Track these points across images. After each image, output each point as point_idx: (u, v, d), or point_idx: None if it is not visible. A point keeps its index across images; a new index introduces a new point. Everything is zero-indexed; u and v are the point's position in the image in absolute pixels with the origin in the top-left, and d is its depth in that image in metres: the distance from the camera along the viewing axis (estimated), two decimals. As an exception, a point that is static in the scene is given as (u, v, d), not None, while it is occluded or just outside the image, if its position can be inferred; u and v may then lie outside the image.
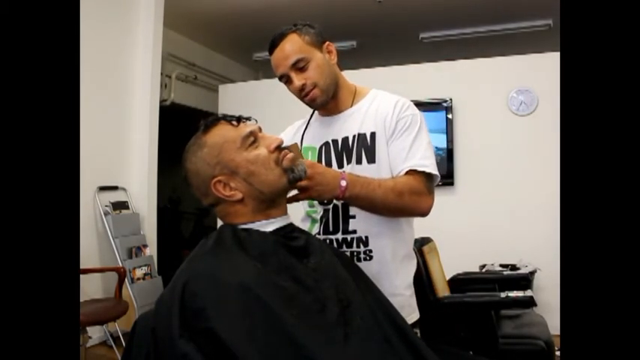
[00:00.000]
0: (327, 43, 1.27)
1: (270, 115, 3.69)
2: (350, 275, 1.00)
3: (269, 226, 1.02)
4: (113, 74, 3.63)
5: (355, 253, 1.25)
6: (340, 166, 1.27)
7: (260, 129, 1.05)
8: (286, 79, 1.25)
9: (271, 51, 1.25)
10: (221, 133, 1.01)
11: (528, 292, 1.88)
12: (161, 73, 4.08)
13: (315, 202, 1.28)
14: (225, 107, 4.64)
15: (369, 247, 1.24)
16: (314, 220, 1.31)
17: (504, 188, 3.77)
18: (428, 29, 4.93)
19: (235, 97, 4.67)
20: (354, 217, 1.25)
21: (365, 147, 1.25)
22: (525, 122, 3.78)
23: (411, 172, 1.19)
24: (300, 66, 1.21)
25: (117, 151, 3.66)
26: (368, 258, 1.24)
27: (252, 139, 1.01)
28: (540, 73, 3.68)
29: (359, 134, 1.26)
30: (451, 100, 3.91)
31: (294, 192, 1.09)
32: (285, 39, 1.22)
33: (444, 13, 4.50)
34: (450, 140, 3.87)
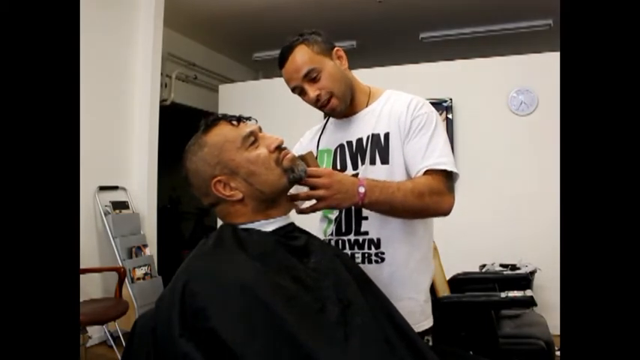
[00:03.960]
0: (337, 48, 1.26)
1: (270, 114, 3.70)
2: (351, 275, 1.00)
3: (269, 225, 1.02)
4: (113, 74, 3.63)
5: (366, 255, 1.24)
6: (355, 167, 1.26)
7: (260, 129, 1.05)
8: (300, 91, 1.24)
9: (281, 64, 1.24)
10: (221, 132, 1.01)
11: (528, 292, 1.88)
12: (161, 73, 4.08)
13: None
14: (225, 107, 4.64)
15: (381, 250, 1.23)
16: (330, 221, 1.31)
17: (504, 188, 3.77)
18: (428, 29, 4.94)
19: (235, 97, 4.68)
20: (366, 218, 1.24)
21: (379, 147, 1.24)
22: (525, 122, 3.78)
23: (430, 172, 1.17)
24: (312, 77, 1.20)
25: (117, 151, 3.66)
26: (379, 260, 1.23)
27: (253, 139, 1.01)
28: (540, 73, 3.68)
29: (372, 135, 1.25)
30: (451, 100, 3.91)
31: (312, 202, 1.08)
32: (293, 51, 1.21)
33: (444, 13, 4.50)
34: (449, 140, 3.86)
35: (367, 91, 1.32)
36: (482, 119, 3.91)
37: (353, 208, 1.24)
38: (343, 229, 1.26)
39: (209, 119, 1.04)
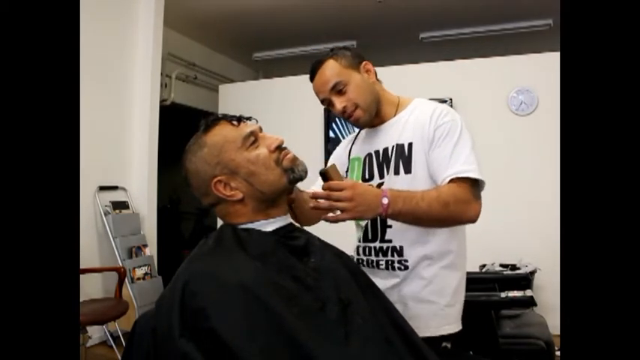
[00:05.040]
0: (365, 62, 1.30)
1: (270, 114, 3.70)
2: (351, 275, 1.00)
3: (269, 225, 1.02)
4: (113, 74, 3.63)
5: (390, 262, 1.26)
6: (381, 176, 1.29)
7: (260, 129, 1.05)
8: (328, 103, 1.28)
9: (312, 78, 1.29)
10: (222, 132, 1.01)
11: (528, 292, 1.88)
12: (161, 73, 4.08)
13: None
14: (225, 107, 4.64)
15: (404, 257, 1.25)
16: (361, 228, 1.33)
17: (504, 188, 3.76)
18: (428, 29, 4.93)
19: (235, 97, 4.67)
20: (390, 226, 1.26)
21: (402, 158, 1.26)
22: (525, 122, 3.77)
23: (456, 180, 1.16)
24: (339, 89, 1.25)
25: (117, 151, 3.66)
26: (403, 267, 1.24)
27: (253, 139, 1.01)
28: (540, 73, 3.68)
29: (397, 145, 1.28)
30: (451, 100, 3.90)
31: (337, 212, 1.07)
32: (322, 66, 1.26)
33: (444, 13, 4.49)
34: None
35: (396, 102, 1.35)
36: (483, 119, 3.90)
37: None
38: (369, 236, 1.29)
39: (209, 119, 1.03)
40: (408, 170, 1.24)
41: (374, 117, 1.30)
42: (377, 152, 1.31)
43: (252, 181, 0.99)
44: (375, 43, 5.24)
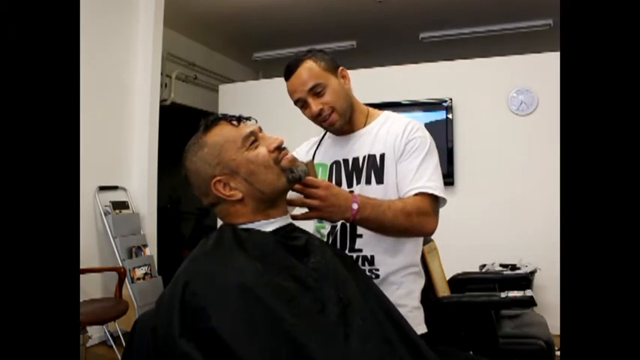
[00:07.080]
0: (341, 68, 1.31)
1: (270, 115, 3.70)
2: (350, 275, 1.00)
3: (269, 225, 1.02)
4: (113, 74, 3.63)
5: None
6: (350, 185, 1.29)
7: (260, 129, 1.05)
8: (302, 104, 1.28)
9: (287, 76, 1.27)
10: (222, 132, 1.01)
11: (528, 292, 1.88)
12: (161, 73, 4.08)
13: None
14: (225, 107, 4.64)
15: (375, 267, 1.26)
16: (322, 236, 1.33)
17: (504, 188, 3.77)
18: (428, 29, 4.93)
19: (235, 97, 4.68)
20: (360, 236, 1.27)
21: (374, 168, 1.27)
22: (525, 122, 3.77)
23: (419, 194, 1.20)
24: (317, 91, 1.24)
25: (117, 151, 3.66)
26: (374, 277, 1.25)
27: (253, 138, 1.01)
28: (540, 73, 3.68)
29: (369, 155, 1.29)
30: (451, 100, 3.90)
31: (305, 210, 1.09)
32: (301, 65, 1.25)
33: (444, 13, 4.49)
34: (449, 140, 3.87)
35: (366, 112, 1.36)
36: (483, 119, 3.91)
37: (348, 225, 1.27)
38: (338, 246, 1.29)
39: (209, 119, 1.04)
40: (380, 180, 1.26)
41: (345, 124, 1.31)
42: (346, 161, 1.32)
43: (252, 181, 0.99)
44: (375, 43, 5.24)
